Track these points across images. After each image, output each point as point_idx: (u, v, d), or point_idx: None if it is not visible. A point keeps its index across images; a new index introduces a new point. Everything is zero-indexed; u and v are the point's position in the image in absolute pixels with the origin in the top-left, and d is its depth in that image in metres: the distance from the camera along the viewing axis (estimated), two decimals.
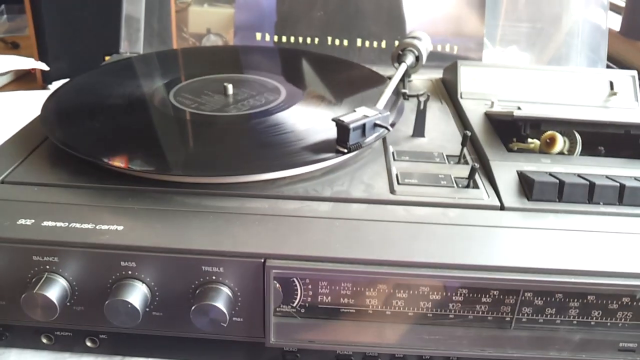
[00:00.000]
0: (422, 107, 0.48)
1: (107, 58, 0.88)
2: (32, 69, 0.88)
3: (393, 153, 0.46)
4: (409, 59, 0.57)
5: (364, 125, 0.41)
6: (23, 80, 0.92)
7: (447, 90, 0.60)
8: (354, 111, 0.42)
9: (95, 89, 0.53)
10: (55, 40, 0.90)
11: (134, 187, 0.40)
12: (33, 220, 0.36)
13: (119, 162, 0.41)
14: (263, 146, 0.44)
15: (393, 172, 0.43)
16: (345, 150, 0.41)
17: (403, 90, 0.56)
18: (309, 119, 0.48)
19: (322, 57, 0.66)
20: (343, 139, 0.41)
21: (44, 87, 0.87)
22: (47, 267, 0.35)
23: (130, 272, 0.35)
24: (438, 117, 0.53)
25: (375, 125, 0.42)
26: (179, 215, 0.37)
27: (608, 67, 1.36)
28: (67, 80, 0.85)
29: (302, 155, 0.42)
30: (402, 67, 0.55)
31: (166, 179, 0.40)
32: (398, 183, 0.41)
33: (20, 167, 0.42)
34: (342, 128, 0.41)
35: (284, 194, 0.40)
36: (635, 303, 0.36)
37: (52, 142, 0.44)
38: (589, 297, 0.36)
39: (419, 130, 0.48)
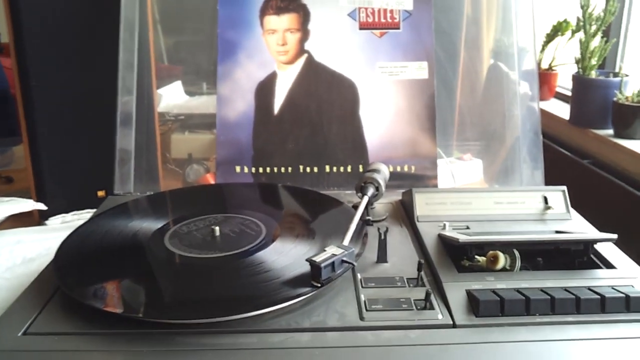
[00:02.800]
0: (382, 237, 0.56)
1: (99, 193, 0.96)
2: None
3: (361, 280, 0.53)
4: (370, 191, 0.66)
5: (333, 263, 0.49)
6: (20, 215, 0.99)
7: (406, 212, 0.69)
8: (325, 250, 0.51)
9: (99, 239, 0.61)
10: (50, 176, 0.98)
11: (141, 330, 0.46)
12: None
13: (125, 310, 0.47)
14: (250, 285, 0.51)
15: (361, 299, 0.50)
16: (319, 285, 0.49)
17: (367, 217, 0.65)
18: (287, 256, 0.55)
19: (296, 189, 0.75)
20: (316, 276, 0.49)
21: (41, 224, 0.94)
22: None
23: None
24: (398, 241, 0.62)
25: (343, 261, 0.50)
26: (181, 355, 0.44)
27: (562, 154, 1.48)
28: (62, 216, 0.93)
29: (283, 291, 0.49)
30: (365, 200, 0.64)
31: (168, 322, 0.47)
32: (366, 309, 0.49)
33: (39, 317, 0.49)
34: (315, 267, 0.49)
35: (270, 327, 0.47)
36: None
37: (65, 291, 0.51)
38: None
39: (381, 257, 0.57)
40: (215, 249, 0.57)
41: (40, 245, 0.81)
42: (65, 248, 0.59)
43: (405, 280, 0.53)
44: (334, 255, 0.50)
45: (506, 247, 0.55)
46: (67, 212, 0.96)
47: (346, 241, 0.55)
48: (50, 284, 0.54)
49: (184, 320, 0.47)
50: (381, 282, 0.53)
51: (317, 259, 0.49)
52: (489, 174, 0.95)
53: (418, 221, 0.65)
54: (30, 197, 0.96)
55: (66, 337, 0.46)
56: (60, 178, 0.97)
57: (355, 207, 0.64)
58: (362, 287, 0.52)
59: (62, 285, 0.52)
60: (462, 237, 0.55)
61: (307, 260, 0.50)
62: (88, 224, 0.64)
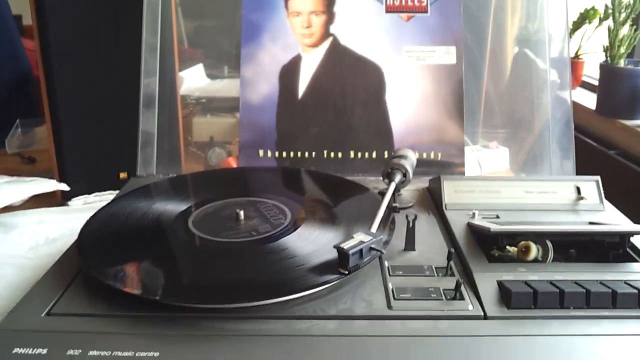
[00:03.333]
0: (411, 225, 0.55)
1: (121, 175, 0.95)
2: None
3: (388, 268, 0.52)
4: (397, 177, 0.64)
5: (361, 250, 0.48)
6: (43, 196, 0.99)
7: (433, 200, 0.68)
8: (352, 237, 0.49)
9: (122, 220, 0.60)
10: (72, 158, 0.97)
11: (166, 314, 0.46)
12: (80, 351, 0.42)
13: (150, 294, 0.47)
14: (276, 271, 0.50)
15: (389, 288, 0.49)
16: (346, 272, 0.48)
17: (394, 204, 0.63)
18: (312, 242, 0.54)
19: (321, 174, 0.74)
20: (343, 263, 0.48)
21: (63, 204, 0.94)
22: None
23: None
24: (426, 229, 0.60)
25: (371, 248, 0.49)
26: (206, 340, 0.43)
27: (588, 143, 1.45)
28: (85, 197, 0.92)
29: (309, 277, 0.48)
30: (392, 186, 0.62)
31: (192, 306, 0.46)
32: (394, 298, 0.48)
33: (62, 298, 0.48)
34: (342, 254, 0.48)
35: (296, 314, 0.46)
36: None
37: (89, 272, 0.51)
38: None
39: (409, 245, 0.55)
40: (240, 233, 0.56)
41: (63, 225, 0.81)
42: (89, 229, 0.58)
43: (434, 269, 0.52)
44: (362, 242, 0.49)
45: (539, 237, 0.54)
46: (89, 193, 0.95)
47: (374, 228, 0.53)
48: (73, 264, 0.53)
49: (208, 304, 0.46)
50: (409, 270, 0.52)
51: (345, 245, 0.48)
52: (516, 162, 0.93)
53: (446, 209, 0.63)
54: (52, 178, 0.96)
55: (90, 318, 0.46)
56: (82, 159, 0.97)
57: (381, 193, 0.63)
58: (390, 275, 0.51)
59: (86, 267, 0.51)
60: (494, 227, 0.53)
61: (334, 246, 0.49)
62: (111, 205, 0.64)
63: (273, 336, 0.43)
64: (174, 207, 0.62)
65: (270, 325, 0.45)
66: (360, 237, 0.49)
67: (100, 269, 0.51)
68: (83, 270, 0.52)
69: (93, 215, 0.61)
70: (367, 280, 0.50)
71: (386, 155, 0.82)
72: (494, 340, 0.43)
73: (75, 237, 0.57)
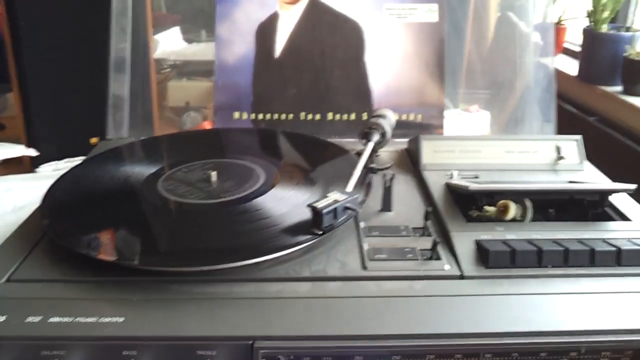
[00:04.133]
0: (387, 185, 0.53)
1: (93, 140, 0.93)
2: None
3: (364, 229, 0.51)
4: (375, 137, 0.62)
5: (335, 209, 0.47)
6: (11, 162, 0.96)
7: (412, 161, 0.66)
8: (327, 196, 0.48)
9: (89, 183, 0.58)
10: (42, 123, 0.94)
11: (132, 278, 0.44)
12: (41, 317, 0.40)
13: (115, 257, 0.45)
14: (247, 232, 0.48)
15: (364, 248, 0.48)
16: (320, 233, 0.46)
17: (371, 165, 0.61)
18: (286, 202, 0.53)
19: (297, 135, 0.72)
20: (317, 223, 0.46)
21: (32, 171, 0.91)
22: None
23: None
24: (404, 189, 0.59)
25: (346, 208, 0.47)
26: (173, 304, 0.41)
27: (568, 110, 1.44)
28: (55, 163, 0.90)
29: (281, 239, 0.46)
30: (369, 146, 0.60)
31: (161, 270, 0.44)
32: (369, 259, 0.46)
33: (24, 264, 0.46)
34: (316, 213, 0.46)
35: (267, 276, 0.44)
36: (581, 357, 0.41)
37: (52, 237, 0.49)
38: (541, 354, 0.40)
39: (386, 205, 0.54)
40: (212, 195, 0.54)
41: (31, 193, 0.78)
42: (54, 192, 0.56)
43: (411, 230, 0.51)
44: (336, 201, 0.47)
45: (518, 196, 0.52)
46: (59, 159, 0.93)
47: (349, 188, 0.52)
48: (37, 229, 0.51)
49: (177, 268, 0.44)
50: (385, 231, 0.50)
51: (319, 204, 0.46)
52: (497, 125, 0.92)
53: (424, 169, 0.61)
54: (21, 144, 0.93)
55: (52, 284, 0.44)
56: (52, 125, 0.94)
57: (359, 154, 0.61)
58: (365, 235, 0.50)
59: (49, 231, 0.49)
60: (472, 185, 0.52)
61: (308, 206, 0.47)
62: (78, 168, 0.61)
63: (243, 299, 0.42)
64: (143, 169, 0.60)
65: (241, 288, 0.43)
66: (334, 196, 0.48)
67: (64, 234, 0.49)
68: (46, 235, 0.50)
69: (59, 178, 0.58)
70: (342, 241, 0.49)
71: (365, 117, 0.80)
72: (471, 299, 0.42)
73: None
